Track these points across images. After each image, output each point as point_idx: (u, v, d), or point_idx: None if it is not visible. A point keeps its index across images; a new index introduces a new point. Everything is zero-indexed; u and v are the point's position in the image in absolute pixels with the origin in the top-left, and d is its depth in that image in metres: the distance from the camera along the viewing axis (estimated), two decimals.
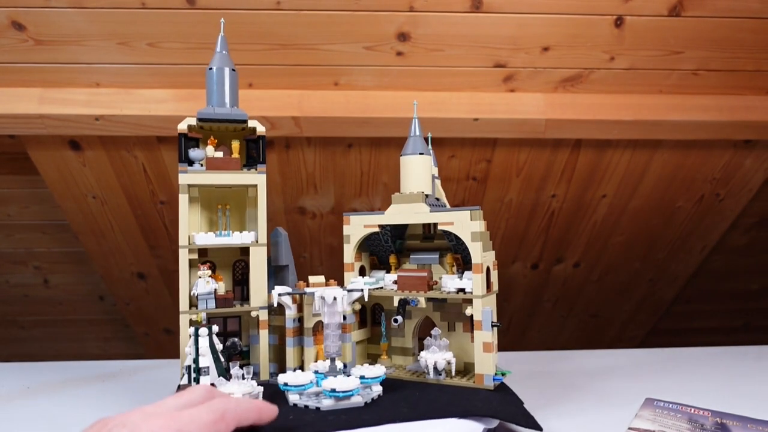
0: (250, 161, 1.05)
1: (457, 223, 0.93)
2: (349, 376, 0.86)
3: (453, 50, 1.46)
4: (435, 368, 0.94)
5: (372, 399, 0.85)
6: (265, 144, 1.03)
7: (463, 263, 1.03)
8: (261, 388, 0.84)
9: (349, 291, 0.99)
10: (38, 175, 1.68)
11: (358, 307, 1.04)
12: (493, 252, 0.98)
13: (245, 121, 1.01)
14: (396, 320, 1.00)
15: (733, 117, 1.60)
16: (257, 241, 1.00)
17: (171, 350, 2.19)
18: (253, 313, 1.00)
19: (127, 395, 1.04)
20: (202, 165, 1.00)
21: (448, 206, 1.10)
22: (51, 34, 1.38)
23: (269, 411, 0.67)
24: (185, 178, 0.98)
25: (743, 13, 1.42)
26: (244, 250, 1.03)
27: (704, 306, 2.40)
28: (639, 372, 1.14)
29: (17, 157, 1.69)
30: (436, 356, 0.94)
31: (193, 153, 1.00)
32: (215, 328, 0.89)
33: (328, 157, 1.68)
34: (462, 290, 0.95)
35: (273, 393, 0.88)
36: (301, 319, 1.00)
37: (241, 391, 0.81)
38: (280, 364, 1.03)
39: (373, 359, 1.09)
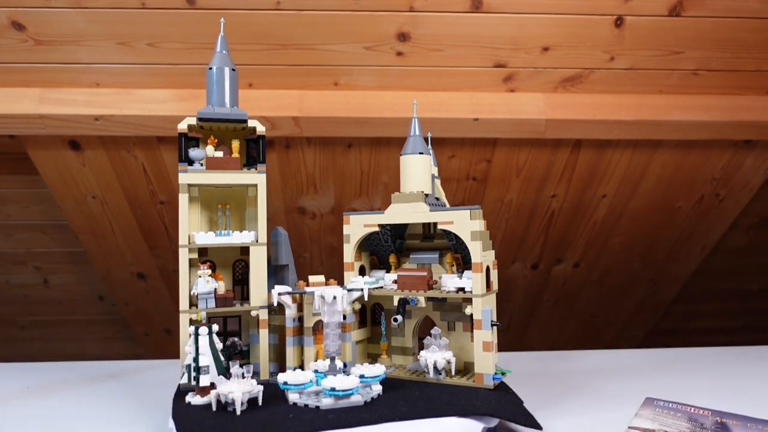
0: (250, 161, 1.05)
1: (457, 222, 0.93)
2: (348, 375, 0.86)
3: (453, 50, 1.46)
4: (435, 367, 0.94)
5: (372, 398, 0.85)
6: (265, 144, 1.03)
7: (463, 263, 1.03)
8: (261, 387, 0.84)
9: (349, 290, 1.00)
10: (38, 175, 1.68)
11: (358, 306, 1.04)
12: (493, 251, 0.98)
13: (245, 121, 1.01)
14: (396, 319, 1.00)
15: (733, 117, 1.60)
16: (257, 241, 1.01)
17: (171, 350, 2.19)
18: (253, 313, 1.00)
19: (126, 395, 1.04)
20: (202, 165, 1.00)
21: (447, 206, 1.10)
22: (51, 34, 1.38)
23: None
24: (185, 178, 0.98)
25: (743, 13, 1.42)
26: (244, 250, 1.03)
27: (704, 306, 2.40)
28: (639, 372, 1.14)
29: (17, 157, 1.69)
30: (436, 355, 0.94)
31: (193, 153, 1.00)
32: (215, 328, 0.89)
33: (328, 157, 1.68)
34: (462, 289, 0.95)
35: (273, 392, 0.88)
36: (301, 319, 1.00)
37: (240, 390, 0.81)
38: (280, 363, 1.03)
39: (373, 359, 1.09)
